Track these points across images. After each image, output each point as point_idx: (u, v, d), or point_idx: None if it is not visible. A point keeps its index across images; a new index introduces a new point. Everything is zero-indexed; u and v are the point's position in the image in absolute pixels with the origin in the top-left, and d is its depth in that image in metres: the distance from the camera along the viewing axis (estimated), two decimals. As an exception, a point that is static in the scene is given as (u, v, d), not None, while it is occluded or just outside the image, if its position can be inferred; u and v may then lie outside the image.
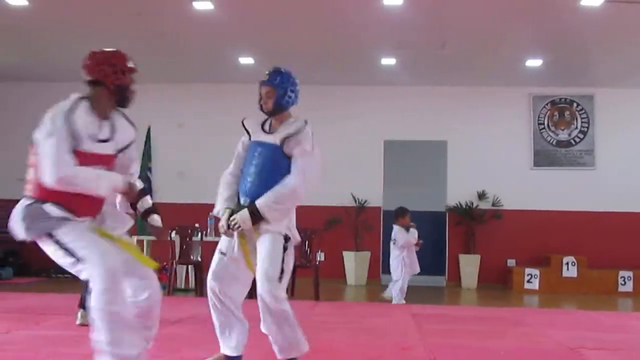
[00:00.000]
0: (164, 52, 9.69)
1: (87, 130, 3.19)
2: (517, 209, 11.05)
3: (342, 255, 10.96)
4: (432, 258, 11.21)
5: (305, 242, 8.74)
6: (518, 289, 10.44)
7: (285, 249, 3.64)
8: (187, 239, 8.66)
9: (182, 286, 9.27)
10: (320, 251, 8.87)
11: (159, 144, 11.49)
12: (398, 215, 8.35)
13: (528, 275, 10.53)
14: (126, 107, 3.46)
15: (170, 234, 8.49)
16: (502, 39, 8.88)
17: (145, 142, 11.47)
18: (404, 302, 7.99)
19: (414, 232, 8.22)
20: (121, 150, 3.38)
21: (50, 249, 3.09)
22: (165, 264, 9.58)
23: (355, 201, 11.08)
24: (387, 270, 11.25)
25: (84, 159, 3.13)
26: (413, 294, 9.28)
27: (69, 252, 3.03)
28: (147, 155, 11.45)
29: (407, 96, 11.35)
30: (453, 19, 8.09)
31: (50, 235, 3.05)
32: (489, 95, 11.32)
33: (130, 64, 3.47)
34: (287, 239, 3.68)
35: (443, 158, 11.43)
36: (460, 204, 11.04)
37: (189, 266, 9.22)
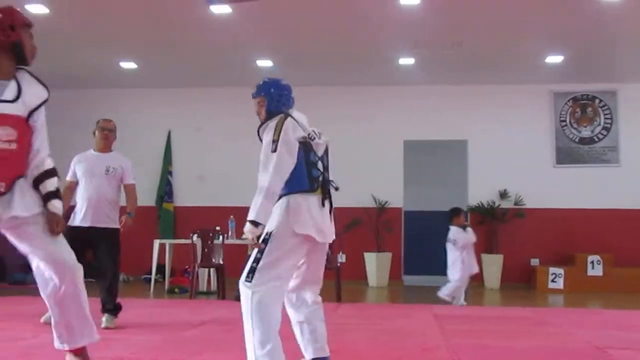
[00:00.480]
0: (182, 57, 9.74)
1: None
2: (540, 208, 10.94)
3: (363, 257, 10.92)
4: (454, 258, 11.16)
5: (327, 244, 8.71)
6: (542, 288, 10.33)
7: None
8: (209, 242, 8.68)
9: (204, 289, 9.29)
10: (342, 253, 8.86)
11: (179, 148, 11.55)
12: (453, 215, 8.28)
13: (552, 274, 10.41)
14: (27, 64, 3.32)
15: (193, 237, 8.52)
16: (521, 36, 8.80)
17: (166, 147, 11.55)
18: (464, 303, 7.95)
19: (471, 231, 8.17)
20: (33, 111, 3.19)
21: None
22: (187, 267, 9.63)
23: (376, 202, 11.04)
24: (409, 271, 11.25)
25: None
26: (435, 294, 9.23)
27: None
28: (167, 160, 11.53)
29: (426, 96, 11.30)
30: (471, 16, 8.02)
31: None
32: (510, 93, 11.22)
33: (19, 19, 3.31)
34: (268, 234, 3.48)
35: (463, 157, 11.35)
36: (482, 204, 10.95)
37: (211, 269, 9.24)
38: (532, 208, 10.92)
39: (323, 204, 3.63)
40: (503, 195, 10.98)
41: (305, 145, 3.65)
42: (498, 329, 5.92)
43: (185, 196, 11.31)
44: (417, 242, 11.22)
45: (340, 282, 8.33)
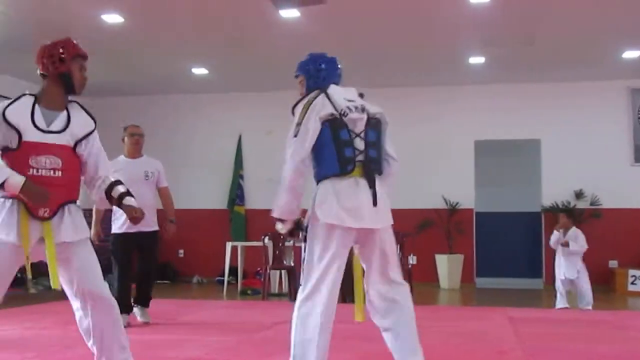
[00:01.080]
0: (252, 62, 9.87)
1: (27, 122, 3.17)
2: (617, 208, 10.58)
3: (434, 259, 10.81)
4: (528, 260, 10.93)
5: (398, 245, 8.68)
6: (621, 291, 9.99)
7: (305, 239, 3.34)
8: (280, 244, 8.77)
9: (276, 291, 9.39)
10: (413, 254, 8.79)
11: (250, 152, 11.71)
12: (570, 216, 8.17)
13: (632, 276, 10.06)
14: (76, 94, 3.44)
15: (264, 239, 8.62)
16: (596, 31, 8.54)
17: (237, 151, 11.73)
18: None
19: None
20: (79, 141, 3.30)
21: None
22: (259, 269, 9.75)
23: (447, 203, 10.92)
24: (481, 273, 11.07)
25: (34, 149, 3.14)
26: (508, 296, 9.06)
27: None
28: (238, 163, 11.70)
29: (497, 95, 11.10)
30: (543, 12, 7.83)
31: None
32: (584, 90, 10.90)
33: (71, 51, 3.43)
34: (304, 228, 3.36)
35: (537, 157, 11.10)
36: (557, 204, 10.67)
37: (282, 271, 9.33)
38: (609, 208, 10.57)
39: (370, 186, 3.34)
40: (579, 195, 10.67)
41: (334, 123, 3.32)
42: (575, 332, 5.76)
43: (257, 199, 11.44)
44: (489, 243, 11.04)
45: (411, 284, 8.26)
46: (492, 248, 10.99)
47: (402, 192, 10.98)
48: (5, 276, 3.10)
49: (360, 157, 3.34)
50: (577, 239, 8.02)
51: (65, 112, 3.33)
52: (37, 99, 3.28)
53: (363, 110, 3.47)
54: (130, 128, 6.14)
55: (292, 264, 8.79)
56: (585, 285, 7.87)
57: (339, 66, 3.63)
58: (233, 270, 10.06)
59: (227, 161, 11.68)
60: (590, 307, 7.76)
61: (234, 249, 9.85)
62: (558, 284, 7.97)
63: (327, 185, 3.26)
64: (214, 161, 11.76)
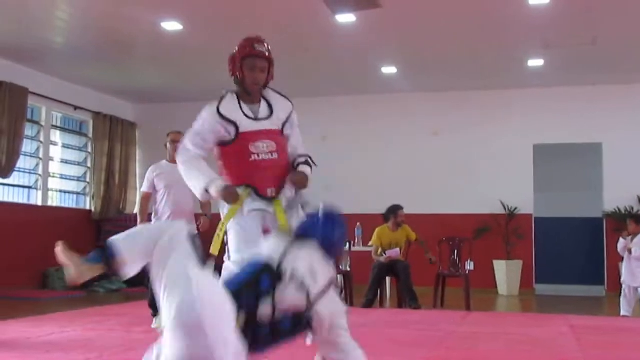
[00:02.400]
0: (307, 67, 9.91)
1: (240, 115, 3.54)
2: (684, 213, 10.23)
3: (492, 265, 10.65)
4: (589, 267, 10.66)
5: (455, 251, 8.60)
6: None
7: None
8: (336, 249, 8.76)
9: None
10: (470, 260, 8.67)
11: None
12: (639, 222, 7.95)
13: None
14: (249, 94, 3.67)
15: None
16: (661, 31, 8.30)
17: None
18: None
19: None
20: (285, 123, 3.63)
21: None
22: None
23: (505, 208, 10.74)
24: (541, 279, 10.84)
25: (251, 137, 3.50)
26: (569, 304, 8.86)
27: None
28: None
29: (556, 98, 10.88)
30: (605, 12, 7.63)
31: None
32: (648, 92, 10.61)
33: (241, 51, 3.69)
34: None
35: (598, 161, 10.82)
36: (619, 209, 10.39)
37: (338, 276, 9.32)
38: (675, 214, 10.23)
39: None
40: (642, 200, 10.38)
41: None
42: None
43: (313, 205, 11.46)
44: (549, 249, 10.81)
45: (469, 290, 8.17)
46: (552, 254, 10.77)
47: (459, 197, 10.97)
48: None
49: None
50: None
51: (264, 101, 3.66)
52: (238, 96, 3.64)
53: None
54: (172, 135, 6.27)
55: (349, 269, 8.78)
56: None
57: None
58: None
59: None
60: (627, 315, 7.56)
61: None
62: (624, 290, 7.77)
63: None
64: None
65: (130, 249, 2.57)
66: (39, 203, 10.59)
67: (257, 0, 7.43)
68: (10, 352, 4.59)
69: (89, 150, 11.64)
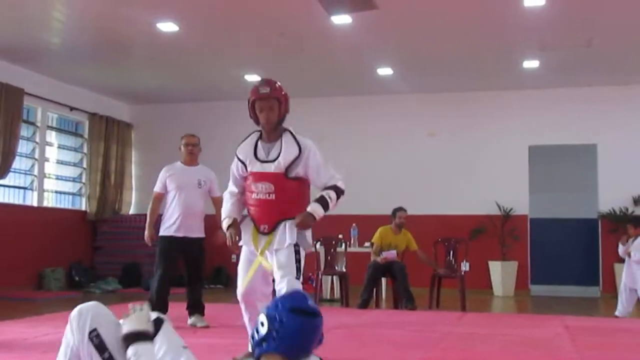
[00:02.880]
0: (304, 67, 9.93)
1: (249, 156, 3.93)
2: (679, 214, 10.27)
3: (488, 265, 10.68)
4: (585, 268, 10.69)
5: (450, 251, 8.62)
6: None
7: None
8: (332, 250, 8.78)
9: (328, 296, 9.40)
10: (466, 261, 8.70)
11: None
12: (638, 225, 7.95)
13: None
14: (263, 127, 3.97)
15: (315, 245, 8.64)
16: (656, 33, 8.33)
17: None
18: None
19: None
20: (289, 167, 3.84)
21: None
22: (310, 274, 9.78)
23: (500, 209, 10.77)
24: (536, 280, 10.87)
25: (253, 177, 3.90)
26: (564, 304, 8.89)
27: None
28: (290, 169, 11.77)
29: (552, 99, 10.92)
30: (600, 14, 7.65)
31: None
32: (643, 93, 10.64)
33: (253, 95, 3.93)
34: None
35: (593, 162, 10.86)
36: (614, 210, 10.43)
37: (334, 277, 9.33)
38: (670, 214, 10.27)
39: None
40: (637, 201, 10.41)
41: None
42: (635, 342, 5.61)
43: (308, 204, 11.47)
44: (544, 250, 10.84)
45: (464, 291, 8.19)
46: (547, 255, 10.79)
47: (455, 198, 10.99)
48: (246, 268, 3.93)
49: None
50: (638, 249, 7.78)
51: (279, 143, 3.91)
52: (260, 135, 3.98)
53: None
54: (185, 137, 6.33)
55: (344, 270, 8.79)
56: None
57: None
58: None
59: (279, 167, 11.75)
60: (620, 315, 7.62)
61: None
62: (620, 291, 7.81)
63: None
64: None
65: None
66: (35, 204, 10.57)
67: (252, 1, 7.43)
68: (7, 353, 4.59)
69: (85, 151, 11.63)
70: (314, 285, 8.98)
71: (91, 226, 11.57)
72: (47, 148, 10.90)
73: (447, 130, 11.16)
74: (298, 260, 3.91)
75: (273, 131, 3.94)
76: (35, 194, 10.59)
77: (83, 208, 11.56)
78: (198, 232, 6.18)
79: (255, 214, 3.93)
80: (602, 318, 7.58)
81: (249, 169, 3.94)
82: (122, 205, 11.98)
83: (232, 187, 4.10)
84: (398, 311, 7.97)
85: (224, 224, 3.98)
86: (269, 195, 3.87)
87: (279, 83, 4.03)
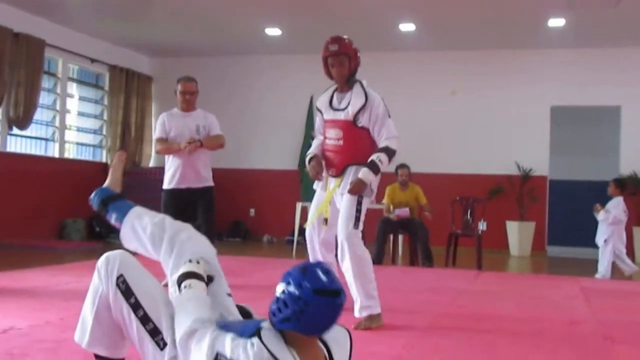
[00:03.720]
0: (325, 23, 9.82)
1: (325, 105, 4.32)
2: (701, 177, 10.16)
3: (505, 225, 10.67)
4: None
5: (468, 211, 8.61)
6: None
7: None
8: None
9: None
10: (483, 221, 8.71)
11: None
12: (619, 185, 8.07)
13: None
14: (339, 81, 4.28)
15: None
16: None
17: (309, 112, 11.77)
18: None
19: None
20: (356, 115, 4.13)
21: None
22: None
23: (520, 170, 10.71)
24: (553, 241, 10.87)
25: (327, 124, 4.31)
26: (581, 266, 8.90)
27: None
28: (310, 124, 11.74)
29: (576, 59, 10.73)
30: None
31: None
32: (670, 54, 10.44)
33: (324, 52, 4.25)
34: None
35: (616, 124, 10.73)
36: (636, 173, 10.33)
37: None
38: (692, 178, 10.17)
39: None
40: (659, 164, 10.30)
41: None
42: (651, 305, 5.62)
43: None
44: (562, 212, 10.80)
45: (481, 250, 8.22)
46: (565, 216, 10.77)
47: (474, 158, 10.94)
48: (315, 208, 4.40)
49: None
50: (613, 208, 7.83)
51: (350, 93, 4.22)
52: (337, 87, 4.32)
53: None
54: (182, 84, 5.73)
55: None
56: (601, 255, 7.85)
57: None
58: (303, 231, 10.17)
59: (299, 122, 11.75)
60: (598, 277, 7.72)
61: (304, 209, 9.94)
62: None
63: None
64: (286, 122, 11.84)
65: (128, 240, 2.68)
66: (56, 155, 10.68)
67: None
68: (30, 300, 4.70)
69: (105, 103, 11.67)
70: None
71: (111, 178, 11.66)
72: (68, 100, 10.95)
73: (468, 89, 11.05)
74: (358, 210, 4.15)
75: (345, 84, 4.24)
76: (57, 145, 10.68)
77: (104, 160, 11.66)
78: (203, 181, 5.71)
79: (327, 159, 4.29)
80: (618, 281, 7.58)
81: (324, 117, 4.32)
82: (142, 158, 12.06)
83: (317, 135, 4.48)
84: (414, 268, 8.03)
85: (307, 159, 4.36)
86: (338, 141, 4.21)
87: (348, 39, 4.27)
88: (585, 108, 10.80)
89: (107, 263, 2.48)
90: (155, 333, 2.32)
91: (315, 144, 4.46)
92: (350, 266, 4.11)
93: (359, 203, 4.14)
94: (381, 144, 4.15)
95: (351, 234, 4.09)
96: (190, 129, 5.65)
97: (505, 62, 10.97)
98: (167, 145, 5.68)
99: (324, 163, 4.32)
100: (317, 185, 4.43)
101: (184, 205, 5.60)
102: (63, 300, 4.66)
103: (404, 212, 8.15)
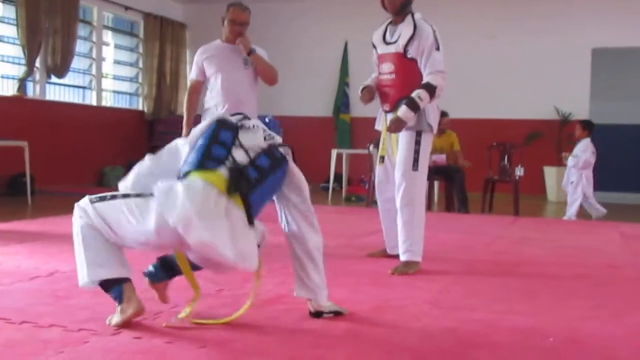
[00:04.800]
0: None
1: (378, 39, 4.22)
2: None
3: (542, 171, 10.54)
4: (643, 175, 10.47)
5: (505, 156, 8.51)
6: None
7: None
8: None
9: (380, 199, 9.46)
10: (520, 166, 8.59)
11: (356, 60, 11.56)
12: (586, 127, 8.09)
13: None
14: (391, 11, 4.14)
15: (369, 147, 8.65)
16: None
17: (343, 58, 11.66)
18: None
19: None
20: (406, 47, 4.02)
21: None
22: (363, 176, 9.86)
23: (558, 114, 10.51)
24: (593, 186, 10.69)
25: (379, 59, 4.22)
26: (621, 212, 8.78)
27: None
28: (344, 71, 11.66)
29: (618, -1, 10.38)
30: None
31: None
32: None
33: None
34: None
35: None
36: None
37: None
38: None
39: None
40: None
41: None
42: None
43: (362, 107, 11.38)
44: (603, 157, 10.58)
45: (518, 196, 8.15)
46: (606, 161, 10.55)
47: (510, 102, 10.75)
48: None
49: None
50: (581, 152, 7.86)
51: (400, 26, 4.10)
52: (391, 20, 4.20)
53: None
54: (232, 10, 4.85)
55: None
56: (570, 198, 7.96)
57: None
58: (338, 177, 10.22)
59: (333, 69, 11.65)
60: (565, 219, 7.80)
61: (339, 156, 9.95)
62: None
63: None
64: (319, 69, 11.76)
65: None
66: (94, 103, 10.79)
67: None
68: (73, 244, 4.80)
69: (140, 51, 11.70)
70: (366, 187, 9.05)
71: (148, 126, 11.78)
72: (104, 48, 11.00)
73: (507, 32, 10.79)
74: (417, 151, 4.04)
75: (398, 15, 4.11)
76: (94, 93, 10.78)
77: (140, 108, 11.75)
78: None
79: (381, 94, 4.21)
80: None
81: (378, 52, 4.22)
82: (177, 106, 12.13)
83: (375, 66, 4.34)
84: (450, 214, 8.01)
85: (359, 90, 4.27)
86: (390, 75, 4.12)
87: None
88: (628, 49, 10.48)
89: (77, 208, 2.64)
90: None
91: (370, 78, 4.36)
92: (401, 208, 4.07)
93: (417, 142, 4.02)
94: (424, 78, 3.97)
95: (409, 176, 4.01)
96: (236, 61, 4.80)
97: (543, 3, 10.66)
98: (191, 102, 4.98)
99: (377, 97, 4.25)
100: (377, 124, 4.33)
101: None
102: (104, 245, 4.75)
103: (440, 158, 8.08)
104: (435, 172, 8.23)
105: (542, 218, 8.33)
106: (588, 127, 8.00)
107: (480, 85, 10.84)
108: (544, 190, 10.55)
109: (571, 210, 7.92)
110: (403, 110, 3.91)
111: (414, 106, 3.91)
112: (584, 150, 7.84)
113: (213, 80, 4.85)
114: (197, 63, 4.94)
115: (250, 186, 2.55)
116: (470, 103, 10.59)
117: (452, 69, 11.37)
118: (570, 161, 7.93)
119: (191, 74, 5.01)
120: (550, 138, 10.42)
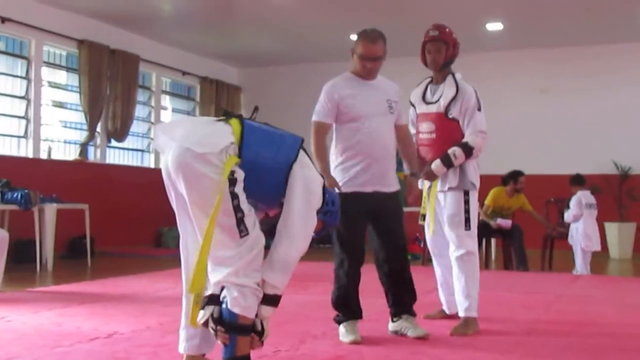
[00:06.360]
0: (407, 25, 9.73)
1: (417, 98, 4.25)
2: None
3: (603, 227, 10.25)
4: None
5: (563, 212, 8.34)
6: None
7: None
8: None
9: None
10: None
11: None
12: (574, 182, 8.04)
13: None
14: (433, 68, 4.18)
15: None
16: None
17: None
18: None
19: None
20: (448, 107, 4.04)
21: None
22: (418, 234, 9.76)
23: (618, 168, 10.28)
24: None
25: (419, 118, 4.22)
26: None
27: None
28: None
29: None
30: None
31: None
32: None
33: (425, 37, 4.17)
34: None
35: None
36: None
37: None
38: None
39: None
40: None
41: None
42: None
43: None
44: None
45: (578, 253, 7.93)
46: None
47: (567, 157, 10.56)
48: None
49: None
50: (573, 206, 7.84)
51: (443, 84, 4.13)
52: (432, 79, 4.25)
53: None
54: (361, 44, 3.76)
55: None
56: (575, 253, 7.82)
57: None
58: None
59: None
60: (575, 273, 7.61)
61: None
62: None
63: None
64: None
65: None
66: (152, 165, 11.05)
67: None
68: (132, 305, 4.88)
69: (197, 114, 12.00)
70: (421, 245, 8.95)
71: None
72: (162, 112, 11.33)
73: (559, 87, 10.71)
74: (467, 210, 4.01)
75: (439, 73, 4.14)
76: (152, 155, 11.06)
77: (196, 170, 11.96)
78: (395, 183, 3.90)
79: (421, 154, 4.16)
80: None
81: (417, 111, 4.23)
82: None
83: (411, 126, 4.30)
84: (509, 272, 7.83)
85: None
86: (431, 134, 4.10)
87: (449, 28, 4.19)
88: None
89: None
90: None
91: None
92: (457, 264, 4.05)
93: (466, 202, 4.02)
94: (465, 138, 4.01)
95: (463, 236, 4.01)
96: (380, 106, 3.82)
97: (598, 57, 10.58)
98: (323, 143, 3.81)
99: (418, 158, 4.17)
100: (421, 184, 4.23)
101: (367, 217, 3.82)
102: (162, 306, 4.81)
103: (506, 223, 7.90)
104: (494, 231, 8.09)
105: (605, 276, 8.07)
106: (577, 181, 8.00)
107: (534, 140, 10.72)
108: (606, 246, 10.24)
109: (577, 264, 7.81)
110: (436, 164, 4.02)
111: (447, 162, 4.00)
112: (574, 204, 7.83)
113: (354, 126, 3.77)
114: (330, 100, 3.79)
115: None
116: (525, 158, 10.42)
117: (505, 125, 11.36)
118: (566, 216, 7.90)
119: (317, 115, 3.83)
120: (610, 193, 10.17)
